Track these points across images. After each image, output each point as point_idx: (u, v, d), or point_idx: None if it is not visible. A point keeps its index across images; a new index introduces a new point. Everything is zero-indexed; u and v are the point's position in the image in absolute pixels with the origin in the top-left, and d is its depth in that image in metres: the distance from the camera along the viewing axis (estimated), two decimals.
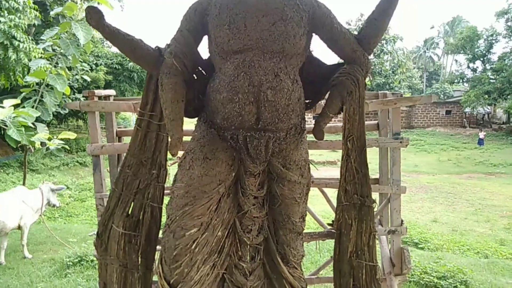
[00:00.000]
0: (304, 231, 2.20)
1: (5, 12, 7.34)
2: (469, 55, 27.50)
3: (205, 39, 1.96)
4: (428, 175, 15.87)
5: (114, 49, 18.54)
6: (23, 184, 6.86)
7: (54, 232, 6.42)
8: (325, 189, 2.97)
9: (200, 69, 2.03)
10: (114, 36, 1.81)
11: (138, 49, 1.86)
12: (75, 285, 4.71)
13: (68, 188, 11.51)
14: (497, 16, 25.61)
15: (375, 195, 2.34)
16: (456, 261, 5.86)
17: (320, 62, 2.10)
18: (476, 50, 26.90)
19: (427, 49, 46.22)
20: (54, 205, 6.14)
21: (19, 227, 5.56)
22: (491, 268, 5.78)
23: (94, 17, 1.73)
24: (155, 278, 2.02)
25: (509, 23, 25.25)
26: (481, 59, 27.30)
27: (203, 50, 1.99)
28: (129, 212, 2.03)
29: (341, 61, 2.03)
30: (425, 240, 7.67)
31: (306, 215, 2.14)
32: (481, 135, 22.74)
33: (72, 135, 5.93)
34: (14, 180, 11.62)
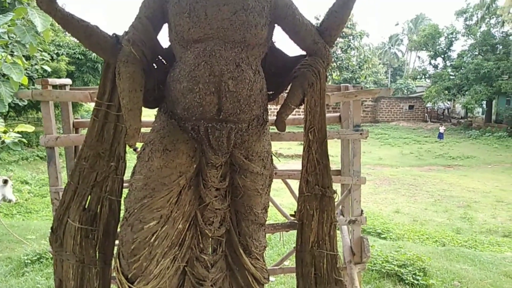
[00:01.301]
0: (267, 222, 2.21)
1: None
2: (431, 52, 28.60)
3: (165, 27, 1.91)
4: (392, 167, 16.44)
5: None
6: None
7: (12, 229, 6.11)
8: (289, 181, 3.00)
9: (160, 58, 1.98)
10: (67, 21, 1.72)
11: (94, 35, 1.79)
12: (34, 284, 4.52)
13: (27, 183, 11.00)
14: (457, 15, 26.77)
15: (336, 186, 2.39)
16: (416, 249, 6.11)
17: (282, 53, 2.10)
18: (437, 47, 28.00)
19: (392, 45, 47.63)
20: (10, 200, 5.82)
21: None
22: (447, 255, 6.08)
23: (45, 0, 1.64)
24: (114, 274, 1.96)
25: (467, 22, 26.46)
26: (442, 56, 28.47)
27: (163, 38, 1.95)
28: (86, 206, 1.96)
29: (303, 53, 2.04)
30: (387, 230, 7.96)
31: (268, 206, 2.15)
32: (441, 129, 23.78)
33: (30, 128, 5.63)
34: None
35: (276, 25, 1.95)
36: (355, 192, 2.63)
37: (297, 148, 17.32)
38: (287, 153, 16.66)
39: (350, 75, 27.85)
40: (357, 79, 28.14)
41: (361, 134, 2.46)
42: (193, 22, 1.73)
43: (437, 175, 14.75)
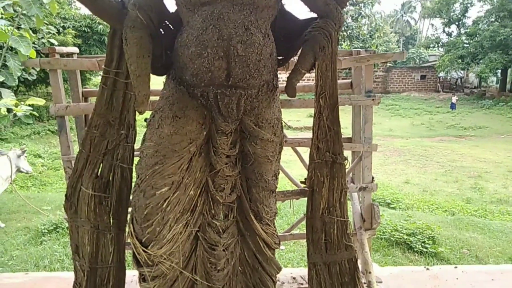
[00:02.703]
0: (278, 190, 2.22)
1: None
2: (445, 19, 27.65)
3: None
4: (402, 138, 16.31)
5: (82, 11, 17.56)
6: None
7: (28, 201, 6.29)
8: (300, 151, 2.99)
9: (167, 23, 1.93)
10: None
11: (99, 0, 1.74)
12: (51, 252, 4.68)
13: (40, 156, 11.21)
14: None
15: (347, 154, 2.37)
16: (425, 219, 6.15)
17: (293, 16, 2.03)
18: (451, 14, 27.04)
19: (404, 13, 46.10)
20: (27, 172, 5.95)
21: None
22: (457, 224, 6.10)
23: None
24: (129, 240, 2.01)
25: None
26: (456, 23, 27.53)
27: (170, 2, 1.89)
28: (98, 173, 1.98)
29: (314, 15, 1.97)
30: (396, 200, 7.99)
31: (279, 173, 2.14)
32: (454, 99, 23.35)
33: (40, 101, 5.66)
34: None
35: None
36: (366, 159, 2.61)
37: (307, 120, 17.24)
38: (296, 125, 16.60)
39: (361, 45, 27.18)
40: (368, 49, 27.52)
41: (373, 100, 2.41)
42: None
43: (448, 146, 14.62)
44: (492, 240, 5.41)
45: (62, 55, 2.46)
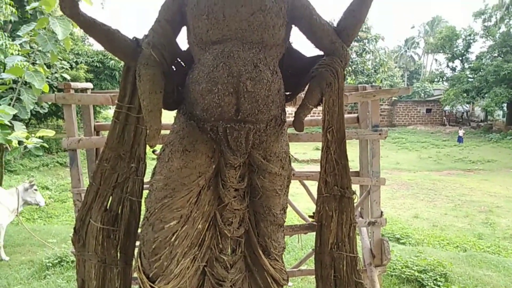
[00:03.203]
0: (286, 224, 2.21)
1: None
2: (448, 55, 28.12)
3: (184, 29, 1.94)
4: (409, 172, 16.17)
5: (95, 47, 18.18)
6: None
7: (33, 233, 6.25)
8: (307, 184, 2.98)
9: (179, 60, 2.01)
10: (90, 25, 1.77)
11: (115, 40, 1.83)
12: (55, 287, 4.60)
13: (48, 188, 11.25)
14: (475, 16, 26.29)
15: (355, 188, 2.36)
16: (436, 254, 5.98)
17: (299, 54, 2.10)
18: (455, 49, 27.53)
19: (408, 48, 47.05)
20: (37, 204, 5.93)
21: None
22: (470, 261, 5.92)
23: (68, 5, 1.68)
24: (135, 274, 1.99)
25: (485, 23, 25.95)
26: (460, 58, 27.96)
27: (182, 41, 1.98)
28: (107, 206, 1.99)
29: (321, 53, 2.03)
30: (406, 235, 7.81)
31: (287, 207, 2.14)
32: (461, 132, 23.30)
33: (50, 133, 5.77)
34: None
35: (293, 25, 1.95)
36: (375, 193, 2.60)
37: (313, 152, 17.24)
38: (303, 158, 16.59)
39: (366, 79, 27.61)
40: (373, 83, 27.87)
41: (380, 134, 2.43)
42: (212, 23, 1.75)
43: (456, 180, 14.43)
44: (507, 278, 5.21)
45: (76, 90, 2.54)
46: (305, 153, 17.38)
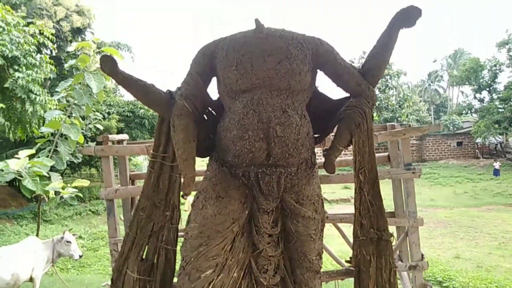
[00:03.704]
0: (322, 270, 2.14)
1: (24, 68, 7.72)
2: (475, 86, 27.61)
3: (214, 80, 2.03)
4: (445, 209, 15.43)
5: (126, 98, 19.11)
6: (37, 235, 6.84)
7: (67, 283, 6.29)
8: (340, 226, 2.91)
9: (210, 109, 2.08)
10: (128, 82, 1.89)
11: (151, 93, 1.94)
12: None
13: (81, 237, 11.43)
14: (498, 46, 26.00)
15: (391, 229, 2.29)
16: None
17: (326, 97, 2.14)
18: (481, 80, 27.05)
19: (431, 82, 46.69)
20: (71, 256, 5.88)
21: (31, 279, 5.47)
22: None
23: (108, 65, 1.81)
24: None
25: (511, 53, 25.56)
26: (487, 89, 27.38)
27: (212, 91, 2.07)
28: (143, 256, 2.01)
29: (347, 95, 2.07)
30: (449, 278, 7.33)
31: (322, 252, 2.08)
32: (496, 165, 22.28)
33: (85, 183, 5.98)
34: (28, 231, 11.61)
35: (318, 70, 2.01)
36: (413, 235, 2.49)
37: (341, 191, 16.87)
38: (332, 197, 16.24)
39: (391, 115, 27.36)
40: (398, 118, 27.56)
41: (413, 172, 2.38)
42: (241, 74, 1.83)
43: (497, 215, 13.61)
44: None
45: (113, 142, 2.67)
46: (334, 192, 17.02)
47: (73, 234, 6.04)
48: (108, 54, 1.78)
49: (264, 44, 1.83)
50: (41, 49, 10.78)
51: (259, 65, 1.81)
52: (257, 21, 1.88)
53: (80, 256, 5.75)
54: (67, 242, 5.68)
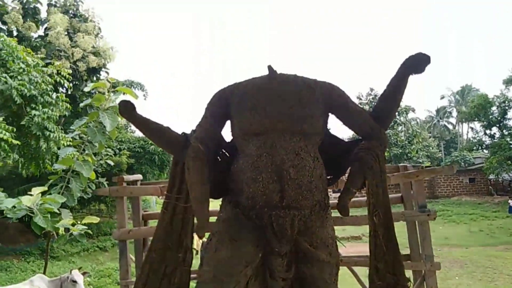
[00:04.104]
0: None
1: (40, 106, 7.96)
2: (484, 122, 27.52)
3: (228, 123, 2.08)
4: (461, 248, 14.94)
5: (137, 134, 19.40)
6: (44, 272, 6.75)
7: None
8: (354, 268, 2.84)
9: (224, 151, 2.12)
10: (144, 125, 1.95)
11: (166, 136, 1.99)
12: None
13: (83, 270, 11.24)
14: (506, 84, 26.15)
15: (407, 272, 2.23)
16: None
17: (338, 139, 2.18)
18: (490, 117, 26.99)
19: (440, 118, 46.70)
20: None
21: None
22: None
23: (127, 110, 1.88)
24: None
25: None
26: (497, 125, 27.25)
27: (226, 133, 2.11)
28: None
29: (359, 137, 2.10)
30: None
31: None
32: (511, 202, 21.72)
33: (95, 220, 5.96)
34: (35, 268, 11.48)
35: (330, 113, 2.05)
36: (431, 279, 2.42)
37: (352, 229, 16.49)
38: (342, 235, 15.86)
39: (400, 151, 27.24)
40: (408, 154, 27.38)
41: (428, 215, 2.35)
42: (254, 118, 1.88)
43: None
44: None
45: (128, 182, 2.70)
46: (344, 230, 16.64)
47: (84, 273, 5.92)
48: (127, 100, 1.85)
49: (277, 89, 1.89)
50: (58, 88, 11.16)
51: (272, 109, 1.86)
52: (270, 67, 1.95)
53: None
54: (73, 282, 5.52)
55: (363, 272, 2.43)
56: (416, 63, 1.91)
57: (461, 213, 22.22)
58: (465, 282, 10.25)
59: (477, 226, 19.00)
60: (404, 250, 2.75)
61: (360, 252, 2.80)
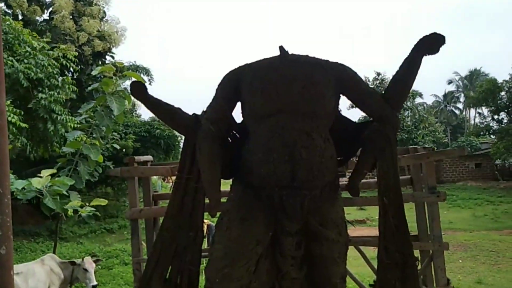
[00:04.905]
0: None
1: (46, 89, 7.99)
2: (492, 107, 27.20)
3: (238, 104, 2.08)
4: (465, 232, 14.98)
5: (142, 118, 19.43)
6: (53, 252, 6.89)
7: None
8: (362, 249, 2.87)
9: (234, 132, 2.13)
10: (156, 106, 1.95)
11: (177, 117, 2.00)
12: None
13: (95, 256, 11.46)
14: None
15: (415, 253, 2.25)
16: None
17: (348, 120, 2.17)
18: (498, 102, 26.66)
19: (447, 103, 46.24)
20: (85, 284, 5.77)
21: None
22: None
23: (139, 91, 1.89)
24: None
25: None
26: (505, 110, 26.94)
27: (236, 114, 2.11)
28: (167, 276, 2.02)
29: (370, 119, 2.09)
30: None
31: (346, 276, 2.07)
32: None
33: (103, 202, 6.04)
34: (44, 249, 11.71)
35: (342, 95, 2.05)
36: (438, 259, 2.45)
37: (357, 213, 16.59)
38: (347, 219, 15.94)
39: (406, 136, 27.08)
40: (414, 139, 27.23)
41: (438, 196, 2.36)
42: (266, 99, 1.88)
43: None
44: None
45: (138, 163, 2.73)
46: (349, 214, 16.72)
47: (96, 260, 5.89)
48: (138, 81, 1.85)
49: (289, 70, 1.88)
50: (64, 71, 11.16)
51: (284, 90, 1.86)
52: (281, 48, 1.94)
53: (94, 287, 5.60)
54: (84, 269, 5.54)
55: (370, 254, 2.46)
56: (431, 43, 1.88)
57: (466, 198, 22.20)
58: (468, 265, 10.32)
59: (481, 211, 19.01)
60: (412, 231, 2.77)
61: (364, 235, 2.82)
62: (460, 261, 10.75)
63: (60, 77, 8.37)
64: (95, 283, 5.55)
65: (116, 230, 14.78)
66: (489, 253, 11.48)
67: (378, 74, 27.97)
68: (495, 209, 19.15)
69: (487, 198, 21.84)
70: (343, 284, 2.01)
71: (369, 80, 27.95)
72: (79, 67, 12.68)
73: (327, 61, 1.98)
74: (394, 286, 1.97)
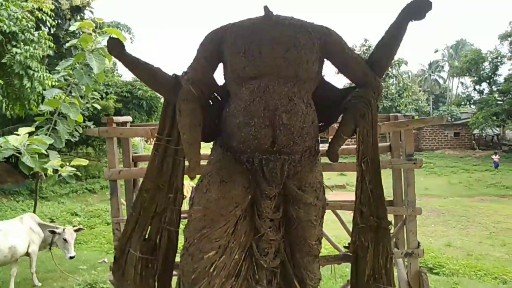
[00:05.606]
0: (320, 255, 2.19)
1: (21, 43, 7.61)
2: (475, 78, 27.58)
3: (220, 66, 2.03)
4: (439, 198, 15.62)
5: (124, 78, 18.92)
6: (34, 211, 6.87)
7: (63, 260, 6.36)
8: (339, 213, 2.96)
9: (216, 95, 2.09)
10: (134, 65, 1.88)
11: (157, 77, 1.94)
12: None
13: (77, 215, 11.52)
14: (501, 39, 25.86)
15: (389, 217, 2.33)
16: (474, 287, 5.70)
17: (332, 86, 2.15)
18: (481, 72, 26.99)
19: (432, 72, 46.51)
20: (64, 253, 5.77)
21: (28, 254, 5.52)
22: None
23: (116, 48, 1.81)
24: None
25: None
26: (487, 81, 27.36)
27: (218, 76, 2.07)
28: (146, 236, 2.05)
29: (352, 84, 2.08)
30: (439, 264, 7.49)
31: (322, 238, 2.13)
32: (495, 158, 22.27)
33: (84, 162, 5.99)
34: (24, 207, 11.67)
35: (326, 59, 2.01)
36: (411, 224, 2.55)
37: (338, 178, 16.99)
38: (327, 184, 16.32)
39: (390, 104, 27.37)
40: (397, 107, 27.55)
41: (414, 163, 2.42)
42: (248, 61, 1.83)
43: (490, 206, 13.82)
44: None
45: (117, 124, 2.67)
46: (330, 179, 17.11)
47: (78, 229, 5.84)
48: (115, 37, 1.77)
49: (273, 31, 1.83)
50: (40, 25, 10.61)
51: (267, 52, 1.81)
52: (266, 8, 1.87)
53: (71, 258, 5.63)
54: (64, 240, 5.53)
55: (347, 218, 2.53)
56: (417, 9, 1.85)
57: (443, 166, 22.95)
58: (440, 229, 10.85)
59: (456, 179, 19.74)
60: (388, 196, 2.86)
61: (344, 199, 2.90)
62: (433, 225, 11.28)
63: (36, 32, 7.97)
64: (73, 254, 5.55)
65: (98, 191, 14.79)
66: (460, 218, 12.07)
67: (366, 40, 27.70)
68: (469, 177, 19.92)
69: (463, 167, 22.64)
70: (319, 245, 2.08)
71: (356, 46, 27.69)
72: (56, 21, 12.08)
73: (312, 24, 1.93)
74: (368, 248, 2.06)
